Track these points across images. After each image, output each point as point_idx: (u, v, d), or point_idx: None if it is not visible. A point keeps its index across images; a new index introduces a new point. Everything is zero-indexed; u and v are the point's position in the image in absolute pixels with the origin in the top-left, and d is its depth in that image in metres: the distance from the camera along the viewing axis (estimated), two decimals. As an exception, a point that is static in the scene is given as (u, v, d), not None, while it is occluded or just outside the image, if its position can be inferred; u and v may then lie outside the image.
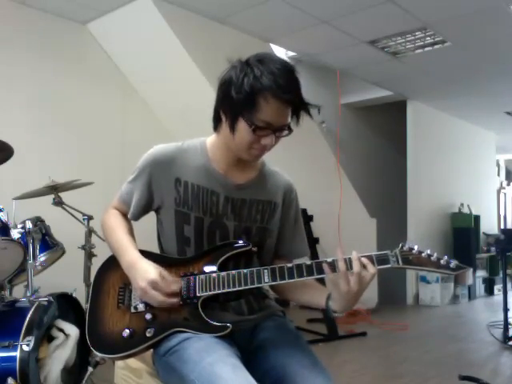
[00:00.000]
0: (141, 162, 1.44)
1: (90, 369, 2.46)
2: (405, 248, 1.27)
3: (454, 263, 1.26)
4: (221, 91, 1.33)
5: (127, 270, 1.36)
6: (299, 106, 1.31)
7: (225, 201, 1.41)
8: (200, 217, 1.39)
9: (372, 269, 1.24)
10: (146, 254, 1.40)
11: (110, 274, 1.43)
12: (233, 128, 1.31)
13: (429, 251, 1.27)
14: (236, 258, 1.39)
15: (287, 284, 1.43)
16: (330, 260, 1.27)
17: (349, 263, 1.24)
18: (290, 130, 1.34)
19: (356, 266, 1.23)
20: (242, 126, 1.29)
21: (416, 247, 1.27)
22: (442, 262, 1.26)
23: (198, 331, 1.29)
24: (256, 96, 1.25)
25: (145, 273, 1.30)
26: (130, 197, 1.46)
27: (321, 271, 1.27)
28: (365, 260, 1.25)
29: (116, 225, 1.46)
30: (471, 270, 1.33)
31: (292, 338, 1.40)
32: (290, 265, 1.30)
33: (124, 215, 1.50)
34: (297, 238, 1.55)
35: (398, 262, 1.26)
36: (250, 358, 1.32)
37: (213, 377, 1.14)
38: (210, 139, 1.45)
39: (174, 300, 1.31)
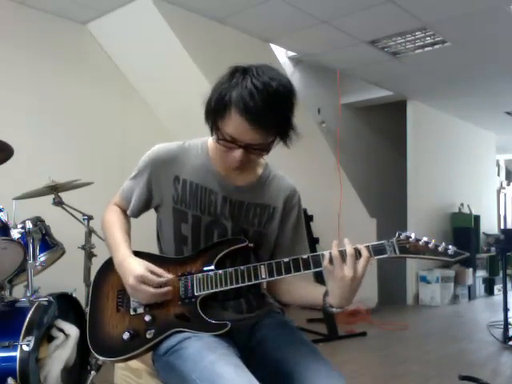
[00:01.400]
0: (142, 159, 1.45)
1: (93, 373, 2.46)
2: (401, 237, 1.26)
3: (452, 249, 1.25)
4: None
5: (118, 269, 1.36)
6: (272, 130, 1.25)
7: (223, 201, 1.40)
8: (197, 215, 1.39)
9: (366, 253, 1.22)
10: (143, 255, 1.40)
11: (108, 277, 1.43)
12: (211, 133, 1.31)
13: (426, 239, 1.26)
14: (233, 255, 1.38)
15: (282, 284, 1.43)
16: (326, 253, 1.27)
17: (345, 253, 1.23)
18: (267, 151, 1.29)
19: (348, 248, 1.22)
20: (213, 133, 1.29)
21: (413, 235, 1.26)
22: (439, 248, 1.25)
23: (197, 331, 1.29)
24: (223, 107, 1.22)
25: (132, 269, 1.31)
26: (131, 194, 1.47)
27: (317, 264, 1.27)
28: (358, 246, 1.24)
29: (113, 222, 1.47)
30: (468, 254, 1.33)
31: (291, 332, 1.41)
32: (286, 259, 1.30)
33: (123, 212, 1.51)
34: (296, 244, 1.50)
35: (395, 251, 1.25)
36: (250, 356, 1.32)
37: (214, 376, 1.14)
38: (212, 139, 1.45)
39: (165, 290, 1.30)
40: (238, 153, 1.27)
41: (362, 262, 1.23)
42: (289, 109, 1.26)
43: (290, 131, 1.29)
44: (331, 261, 1.24)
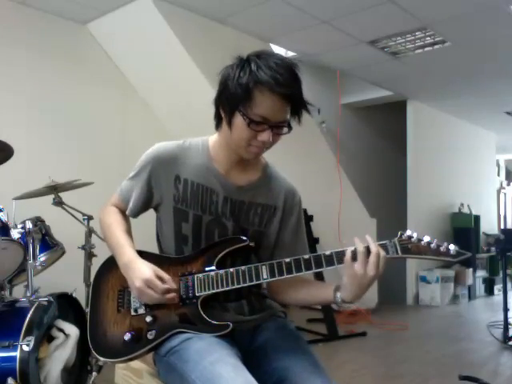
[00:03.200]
0: (141, 159, 1.44)
1: (95, 373, 2.46)
2: (403, 237, 1.26)
3: (453, 249, 1.24)
4: (219, 87, 1.33)
5: (123, 270, 1.36)
6: (298, 103, 1.29)
7: (224, 201, 1.40)
8: (198, 214, 1.39)
9: (384, 252, 1.23)
10: (144, 254, 1.40)
11: (108, 277, 1.43)
12: (230, 123, 1.30)
13: (428, 239, 1.25)
14: (234, 254, 1.38)
15: (285, 285, 1.42)
16: (327, 253, 1.27)
17: (368, 251, 1.23)
18: (290, 128, 1.31)
19: (373, 247, 1.22)
20: (239, 121, 1.28)
21: (415, 235, 1.26)
22: (441, 248, 1.24)
23: (198, 331, 1.28)
24: (252, 89, 1.24)
25: (139, 272, 1.30)
26: (130, 194, 1.45)
27: (319, 265, 1.27)
28: (377, 244, 1.24)
29: (114, 223, 1.46)
30: (470, 254, 1.33)
31: (292, 339, 1.40)
32: (287, 260, 1.29)
33: (122, 213, 1.49)
34: (297, 245, 1.50)
35: (397, 251, 1.25)
36: (251, 359, 1.31)
37: (214, 376, 1.14)
38: (213, 138, 1.45)
39: (171, 296, 1.30)
40: (266, 134, 1.28)
41: (382, 260, 1.23)
42: (301, 81, 1.31)
43: (305, 106, 1.32)
44: (354, 258, 1.23)
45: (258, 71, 1.24)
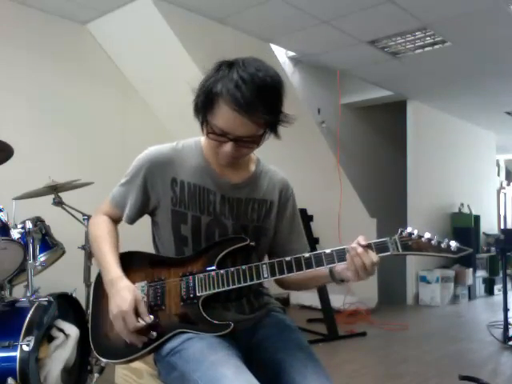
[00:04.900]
0: (134, 164, 1.42)
1: (96, 375, 2.47)
2: (404, 234, 1.25)
3: (454, 246, 1.24)
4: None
5: (107, 287, 1.33)
6: (264, 120, 1.23)
7: (221, 200, 1.40)
8: (197, 216, 1.38)
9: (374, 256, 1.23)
10: (144, 255, 1.40)
11: None
12: (202, 129, 1.30)
13: (429, 235, 1.24)
14: (234, 254, 1.37)
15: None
16: (328, 251, 1.27)
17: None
18: (258, 143, 1.28)
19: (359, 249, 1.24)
20: (204, 128, 1.28)
21: (416, 232, 1.25)
22: (442, 245, 1.24)
23: (200, 331, 1.28)
24: (211, 100, 1.22)
25: (120, 300, 1.26)
26: (125, 200, 1.43)
27: (319, 263, 1.27)
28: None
29: (101, 235, 1.41)
30: (471, 250, 1.33)
31: (288, 332, 1.40)
32: (288, 258, 1.29)
33: (114, 221, 1.46)
34: (294, 235, 1.51)
35: (397, 248, 1.24)
36: (250, 355, 1.32)
37: (216, 377, 1.14)
38: (205, 138, 1.45)
39: (135, 339, 1.26)
40: (228, 146, 1.26)
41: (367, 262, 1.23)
42: (277, 99, 1.26)
43: (280, 122, 1.28)
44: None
45: (221, 81, 1.21)
